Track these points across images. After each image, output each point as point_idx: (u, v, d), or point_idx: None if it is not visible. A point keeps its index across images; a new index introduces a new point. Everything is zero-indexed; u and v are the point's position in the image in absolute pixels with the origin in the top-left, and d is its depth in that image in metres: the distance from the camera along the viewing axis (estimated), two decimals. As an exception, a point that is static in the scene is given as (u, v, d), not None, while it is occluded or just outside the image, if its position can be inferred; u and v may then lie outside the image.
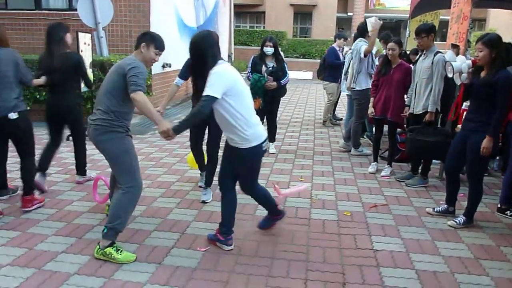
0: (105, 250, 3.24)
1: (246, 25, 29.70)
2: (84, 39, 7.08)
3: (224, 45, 16.43)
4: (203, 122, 3.93)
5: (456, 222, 4.03)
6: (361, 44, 6.32)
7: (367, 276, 3.13)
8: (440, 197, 4.66)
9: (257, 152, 3.35)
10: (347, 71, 6.81)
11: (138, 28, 9.67)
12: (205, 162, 4.73)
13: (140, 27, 9.63)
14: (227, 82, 3.14)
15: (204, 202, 4.50)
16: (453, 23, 5.56)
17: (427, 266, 3.29)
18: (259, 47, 6.23)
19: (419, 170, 5.28)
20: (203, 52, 3.23)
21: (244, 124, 3.22)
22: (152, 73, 9.75)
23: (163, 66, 10.20)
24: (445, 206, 4.29)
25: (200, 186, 4.80)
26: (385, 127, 5.76)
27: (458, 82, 4.32)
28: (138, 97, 3.21)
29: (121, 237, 3.62)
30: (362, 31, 6.41)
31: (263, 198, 3.75)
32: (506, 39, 4.54)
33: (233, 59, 18.76)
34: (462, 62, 4.06)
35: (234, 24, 19.94)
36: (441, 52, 4.95)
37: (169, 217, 4.11)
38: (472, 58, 4.22)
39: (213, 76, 3.12)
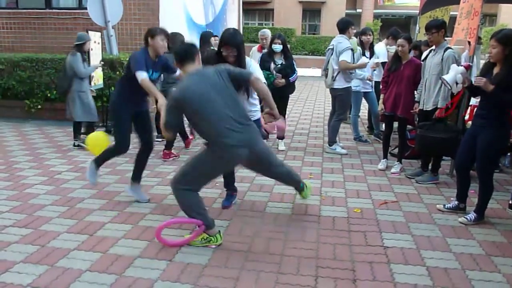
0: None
1: (255, 23, 29.68)
2: (94, 37, 7.12)
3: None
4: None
5: (467, 218, 4.00)
6: (342, 41, 6.20)
7: (378, 272, 3.12)
8: (451, 194, 4.63)
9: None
10: (326, 67, 6.54)
11: (147, 26, 9.65)
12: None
13: (150, 25, 9.65)
14: None
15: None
16: (462, 18, 5.51)
17: (438, 262, 3.27)
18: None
19: (429, 167, 5.26)
20: (241, 44, 3.89)
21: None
22: (162, 71, 9.79)
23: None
24: (456, 202, 4.26)
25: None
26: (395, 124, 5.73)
27: (454, 91, 4.29)
28: (261, 76, 3.85)
29: (131, 234, 3.67)
30: (342, 28, 6.33)
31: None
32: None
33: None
34: (455, 73, 3.96)
35: (243, 22, 19.93)
36: (451, 48, 4.92)
37: (179, 214, 4.11)
38: (465, 63, 4.18)
39: (255, 65, 4.10)
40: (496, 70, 3.82)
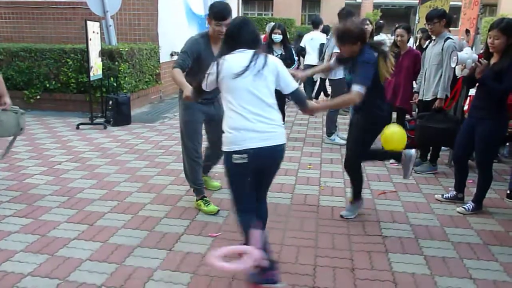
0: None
1: (254, 13, 29.53)
2: (93, 27, 7.10)
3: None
4: None
5: (465, 208, 4.02)
6: None
7: (376, 262, 3.15)
8: (449, 184, 4.65)
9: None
10: (323, 57, 6.49)
11: (146, 16, 9.67)
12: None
13: (148, 15, 9.64)
14: None
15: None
16: (466, 8, 5.51)
17: (436, 252, 3.30)
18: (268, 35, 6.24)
19: (428, 157, 5.27)
20: None
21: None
22: (161, 61, 9.76)
23: (171, 55, 10.20)
24: (454, 192, 4.28)
25: None
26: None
27: (458, 74, 4.22)
28: None
29: (131, 224, 3.68)
30: (345, 15, 6.23)
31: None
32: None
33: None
34: (468, 56, 3.87)
35: (242, 12, 19.86)
36: (451, 38, 4.90)
37: (178, 204, 4.14)
38: (480, 53, 4.13)
39: None
40: (493, 60, 3.78)
